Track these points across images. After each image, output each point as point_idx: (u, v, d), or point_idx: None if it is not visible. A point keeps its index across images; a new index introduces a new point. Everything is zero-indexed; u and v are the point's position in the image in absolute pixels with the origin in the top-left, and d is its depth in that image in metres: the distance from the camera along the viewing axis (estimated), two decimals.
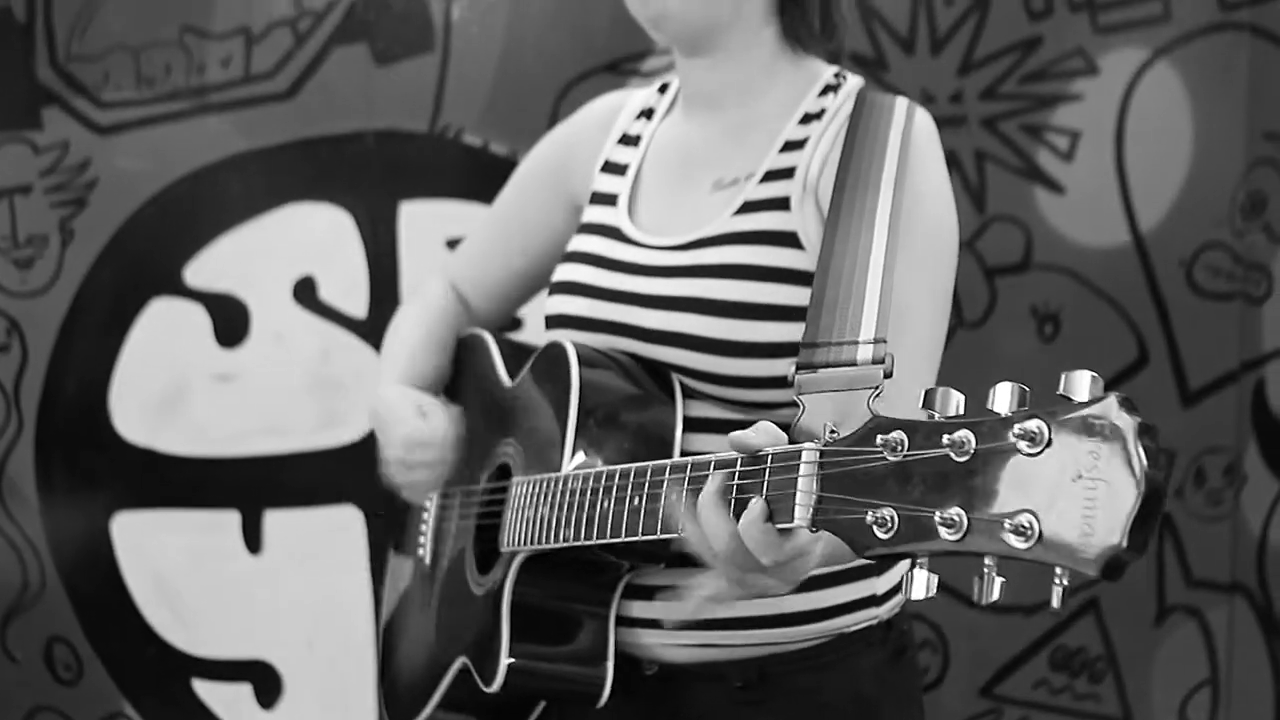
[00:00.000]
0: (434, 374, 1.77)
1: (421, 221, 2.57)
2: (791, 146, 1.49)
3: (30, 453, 2.60)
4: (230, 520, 2.62)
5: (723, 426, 1.44)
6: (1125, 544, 0.82)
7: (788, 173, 1.48)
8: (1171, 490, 2.64)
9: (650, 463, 1.28)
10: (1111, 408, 0.84)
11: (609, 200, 1.62)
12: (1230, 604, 2.67)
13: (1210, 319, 2.62)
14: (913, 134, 1.43)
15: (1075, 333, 2.61)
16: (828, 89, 1.53)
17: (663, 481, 1.24)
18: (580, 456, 1.43)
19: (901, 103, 1.47)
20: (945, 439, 0.92)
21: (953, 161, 1.49)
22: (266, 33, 2.53)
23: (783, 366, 1.40)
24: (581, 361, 1.48)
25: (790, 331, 1.41)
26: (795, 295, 1.42)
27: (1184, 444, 2.64)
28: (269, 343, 2.59)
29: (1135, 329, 2.62)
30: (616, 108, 1.71)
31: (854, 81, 1.54)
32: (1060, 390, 0.87)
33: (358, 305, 2.59)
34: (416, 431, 1.63)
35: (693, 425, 1.46)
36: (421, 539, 1.76)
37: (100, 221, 2.56)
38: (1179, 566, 2.66)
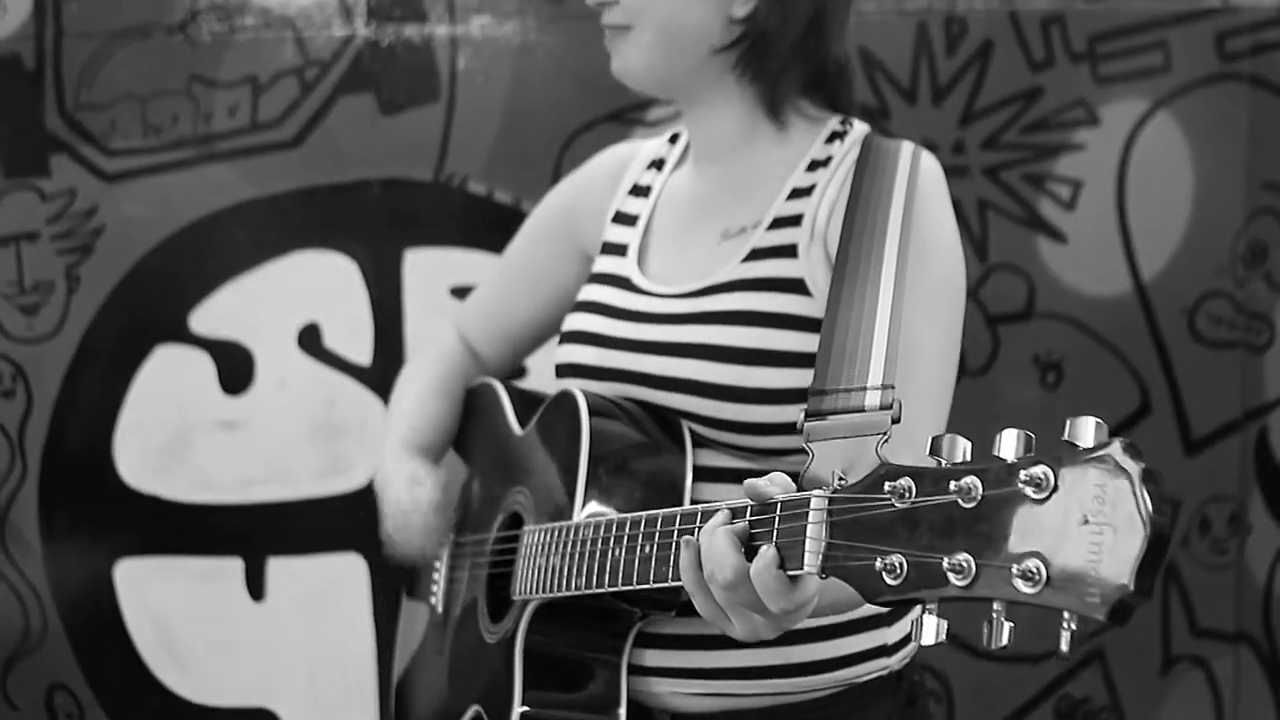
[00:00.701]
0: (441, 429, 1.78)
1: (426, 269, 2.58)
2: (799, 194, 1.50)
3: (34, 498, 2.60)
4: (233, 567, 2.61)
5: (732, 475, 1.44)
6: (1132, 588, 0.82)
7: (795, 220, 1.48)
8: (1176, 539, 2.63)
9: (661, 511, 1.29)
10: (1116, 453, 0.85)
11: (619, 250, 1.63)
12: (1235, 653, 2.66)
13: (1213, 368, 2.63)
14: (919, 178, 1.44)
15: (1078, 381, 2.62)
16: (834, 136, 1.54)
17: (673, 530, 1.24)
18: (591, 505, 1.44)
19: (907, 147, 1.48)
20: (952, 485, 0.92)
21: (955, 210, 1.49)
22: (273, 82, 2.55)
23: (790, 412, 1.40)
24: (592, 410, 1.48)
25: (797, 377, 1.41)
26: (802, 341, 1.42)
27: (1188, 493, 2.64)
28: (273, 390, 2.59)
29: (1138, 377, 2.63)
30: (627, 158, 1.72)
31: (860, 128, 1.55)
32: (1065, 436, 0.88)
33: (362, 353, 2.60)
34: (404, 501, 1.67)
35: (702, 474, 1.46)
36: (434, 587, 1.76)
37: (106, 268, 2.56)
38: (1184, 616, 2.65)
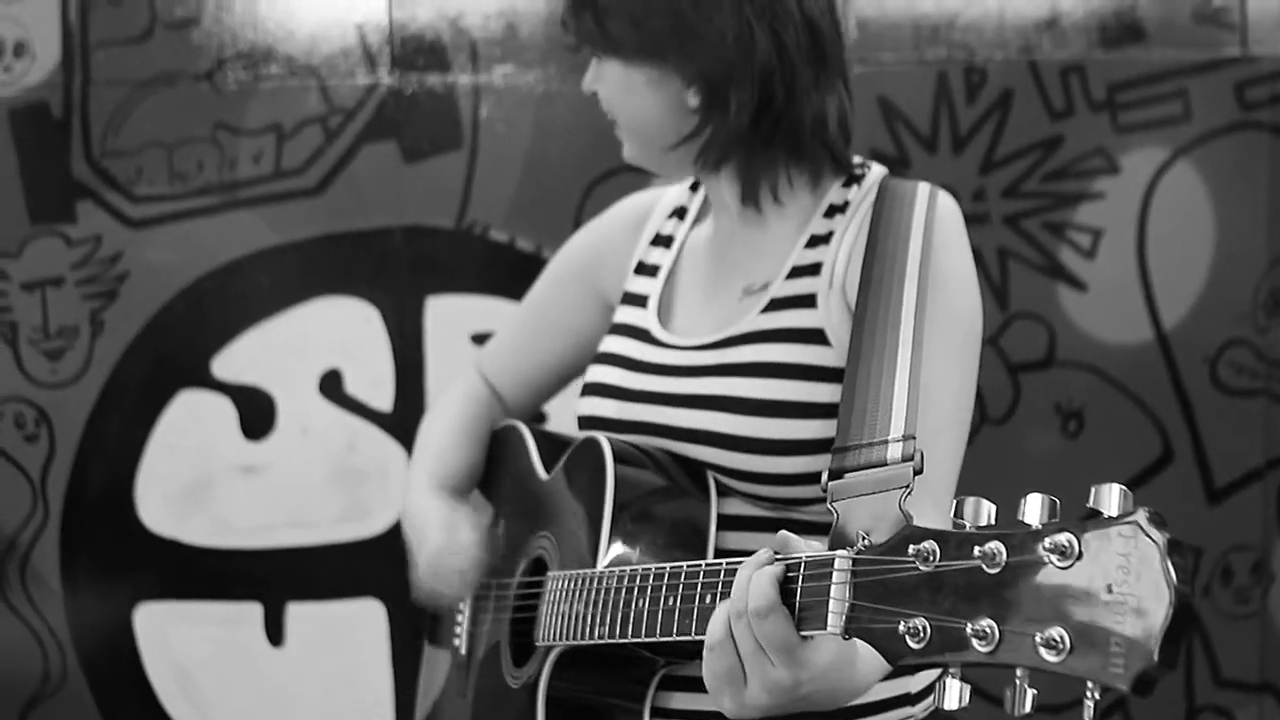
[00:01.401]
0: (467, 470, 1.78)
1: (447, 316, 2.59)
2: (817, 241, 1.50)
3: (55, 542, 2.61)
4: (253, 612, 2.61)
5: (755, 524, 1.44)
6: (1157, 659, 0.82)
7: (814, 269, 1.48)
8: (1198, 589, 2.62)
9: (685, 564, 1.29)
10: (1142, 521, 0.84)
11: (640, 301, 1.63)
12: (1260, 703, 2.64)
13: (1234, 416, 2.62)
14: (935, 220, 1.43)
15: (1099, 430, 2.61)
16: (851, 180, 1.54)
17: (697, 583, 1.24)
18: (615, 551, 1.44)
19: (924, 189, 1.47)
20: (977, 550, 0.92)
21: (976, 258, 1.49)
22: (297, 130, 2.57)
23: (811, 462, 1.40)
24: (617, 457, 1.48)
25: (818, 428, 1.41)
26: (822, 392, 1.42)
27: (1210, 542, 2.63)
28: (295, 435, 2.60)
29: (1160, 426, 2.62)
30: (649, 206, 1.72)
31: (877, 171, 1.54)
32: (1090, 503, 0.88)
33: (383, 399, 2.61)
34: (442, 544, 1.64)
35: (726, 523, 1.46)
36: (458, 630, 1.76)
37: (130, 313, 2.58)
38: (1207, 666, 2.64)
